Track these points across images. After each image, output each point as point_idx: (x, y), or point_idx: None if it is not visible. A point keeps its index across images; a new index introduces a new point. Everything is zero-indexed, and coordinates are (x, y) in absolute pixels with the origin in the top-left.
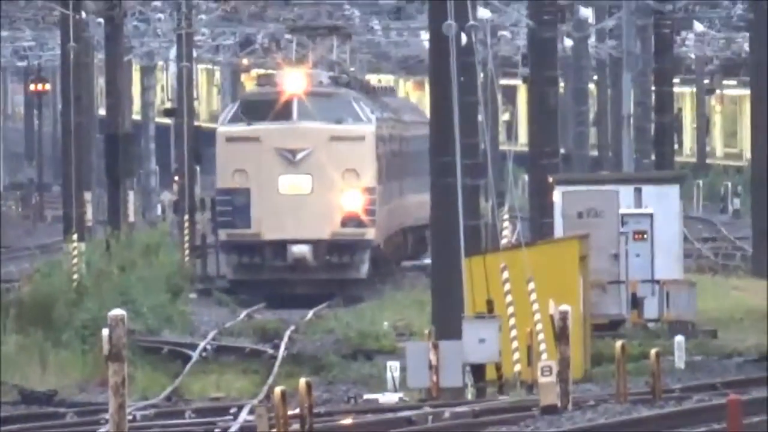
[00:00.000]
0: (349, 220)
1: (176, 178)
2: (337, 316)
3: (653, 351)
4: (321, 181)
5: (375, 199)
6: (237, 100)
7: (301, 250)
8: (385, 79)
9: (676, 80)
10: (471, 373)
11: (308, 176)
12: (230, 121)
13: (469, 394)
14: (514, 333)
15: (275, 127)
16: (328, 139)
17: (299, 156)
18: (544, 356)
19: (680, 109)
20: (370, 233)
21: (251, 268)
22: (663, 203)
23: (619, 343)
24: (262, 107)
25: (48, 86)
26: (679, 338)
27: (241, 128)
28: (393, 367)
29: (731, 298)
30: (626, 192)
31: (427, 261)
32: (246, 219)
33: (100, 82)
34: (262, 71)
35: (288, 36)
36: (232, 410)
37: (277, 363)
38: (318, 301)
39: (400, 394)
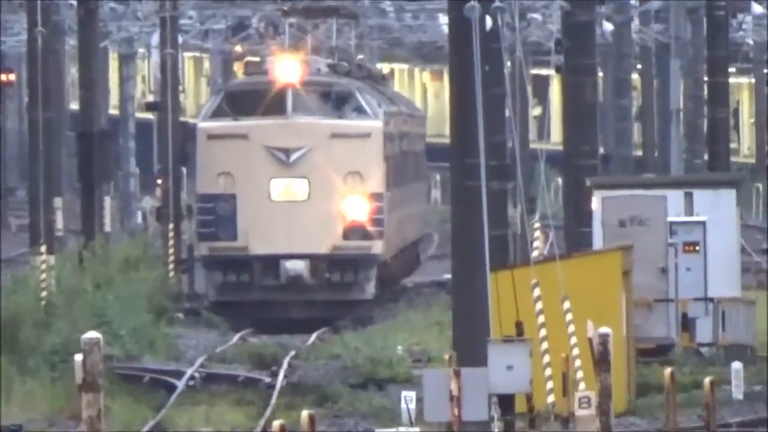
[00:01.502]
0: (353, 232)
1: (159, 181)
2: (344, 340)
3: (707, 380)
4: (319, 186)
5: (383, 206)
6: (220, 90)
7: (296, 266)
8: (399, 68)
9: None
10: (498, 404)
11: (304, 180)
12: (213, 116)
13: (496, 429)
14: (547, 359)
15: (266, 122)
16: (328, 136)
17: (294, 156)
18: (582, 386)
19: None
20: (377, 247)
21: (238, 287)
22: (717, 210)
23: (667, 371)
24: (251, 99)
25: (12, 77)
26: (736, 365)
27: (225, 124)
28: (408, 397)
29: None
30: (675, 197)
31: (447, 276)
32: (231, 230)
33: (72, 71)
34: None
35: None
36: None
37: (276, 393)
38: (316, 325)
39: (417, 429)
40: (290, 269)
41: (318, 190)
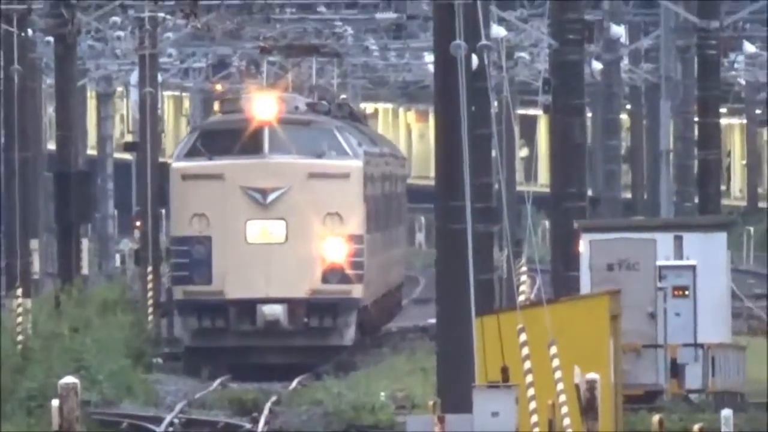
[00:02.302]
0: (332, 275)
1: (138, 223)
2: (326, 386)
3: (696, 427)
4: (297, 228)
5: (363, 249)
6: (195, 128)
7: (273, 311)
8: (383, 108)
9: (723, 110)
10: None
11: (282, 221)
12: (187, 155)
13: None
14: (533, 405)
15: (242, 162)
16: (306, 176)
17: (271, 197)
18: None
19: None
20: (357, 291)
21: (213, 333)
22: (708, 254)
23: (656, 418)
24: (226, 138)
25: None
26: (726, 412)
27: (200, 163)
28: None
29: None
30: (665, 240)
31: (432, 321)
32: (206, 273)
33: (50, 111)
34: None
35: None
36: None
37: None
38: (295, 372)
39: None
40: (267, 314)
41: (296, 232)
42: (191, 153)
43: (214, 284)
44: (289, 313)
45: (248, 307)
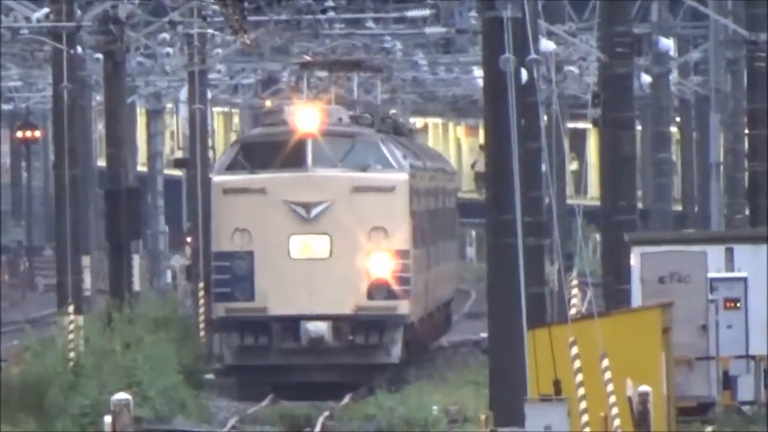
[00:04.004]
0: (378, 291)
1: (189, 239)
2: (378, 400)
3: None
4: (342, 243)
5: (409, 264)
6: (236, 142)
7: (317, 328)
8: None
9: None
10: None
11: (326, 236)
12: (228, 169)
13: None
14: (585, 418)
15: (284, 175)
16: (350, 190)
17: (315, 211)
18: None
19: None
20: (404, 307)
21: (255, 350)
22: (758, 266)
23: (708, 430)
24: (268, 151)
25: (38, 133)
26: None
27: (242, 177)
28: None
29: None
30: (716, 253)
31: (483, 335)
32: (249, 290)
33: (99, 128)
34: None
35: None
36: None
37: None
38: (339, 391)
39: None
40: (311, 331)
41: (340, 247)
42: (233, 166)
43: (257, 301)
44: (334, 330)
45: (292, 324)
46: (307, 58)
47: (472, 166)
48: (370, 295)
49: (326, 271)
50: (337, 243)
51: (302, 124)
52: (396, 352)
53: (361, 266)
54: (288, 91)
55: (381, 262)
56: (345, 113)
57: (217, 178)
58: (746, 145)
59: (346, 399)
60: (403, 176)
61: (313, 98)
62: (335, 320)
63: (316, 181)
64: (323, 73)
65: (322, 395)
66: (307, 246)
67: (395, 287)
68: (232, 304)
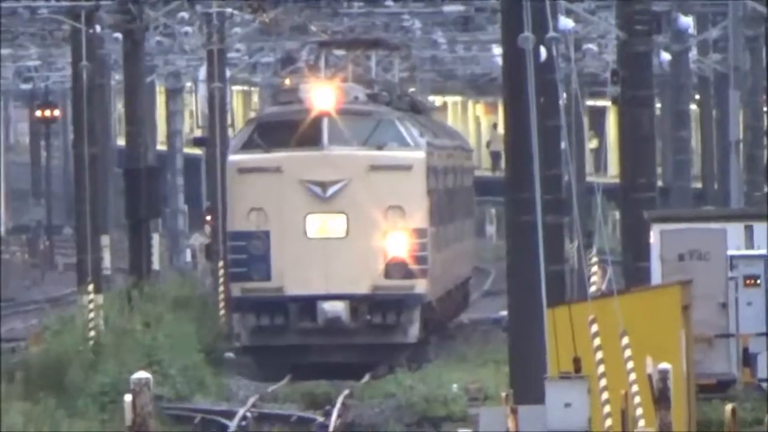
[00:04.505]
0: (395, 270)
1: (208, 218)
2: (398, 379)
3: None
4: (358, 222)
5: (426, 243)
6: (252, 120)
7: (334, 308)
8: (452, 101)
9: None
10: None
11: (342, 215)
12: (244, 148)
13: None
14: (605, 396)
15: (300, 154)
16: (367, 168)
17: (331, 190)
18: (641, 423)
19: None
20: (421, 286)
21: (272, 331)
22: None
23: (728, 407)
24: (284, 130)
25: (57, 112)
26: None
27: (257, 156)
28: None
29: None
30: (735, 230)
31: (503, 313)
32: (265, 270)
33: (118, 107)
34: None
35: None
36: None
37: None
38: (356, 371)
39: None
40: (328, 311)
41: (357, 226)
42: (248, 145)
43: (273, 280)
44: (351, 310)
45: (308, 304)
46: (325, 36)
47: (487, 145)
48: (388, 275)
49: (343, 251)
50: (354, 222)
51: (318, 103)
52: (413, 331)
53: (378, 245)
54: (306, 70)
55: (398, 241)
56: (361, 91)
57: (232, 157)
58: (765, 123)
59: (366, 378)
60: (420, 155)
61: (331, 77)
62: (352, 300)
63: (333, 159)
64: (341, 52)
65: (339, 375)
66: (324, 225)
67: (412, 266)
68: (248, 284)
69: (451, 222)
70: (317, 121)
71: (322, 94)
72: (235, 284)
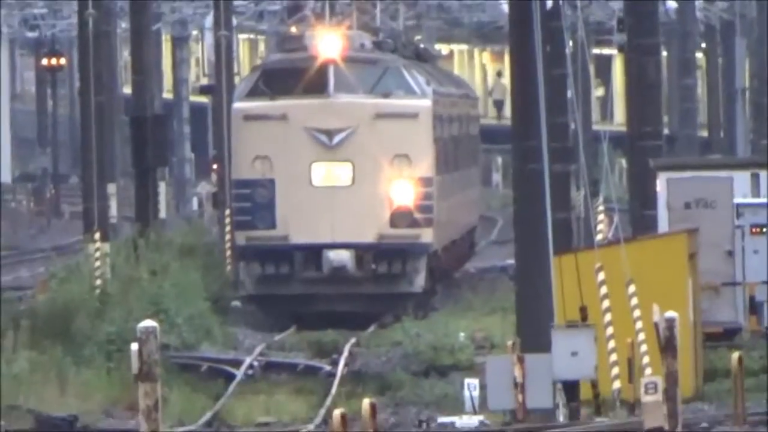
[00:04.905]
0: (401, 219)
1: (215, 166)
2: (405, 327)
3: None
4: (364, 170)
5: (432, 192)
6: (257, 67)
7: (339, 256)
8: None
9: None
10: (563, 391)
11: (348, 164)
12: (249, 95)
13: (561, 416)
14: (612, 344)
15: (306, 102)
16: (373, 116)
17: (337, 138)
18: (648, 371)
19: None
20: (427, 235)
21: (277, 280)
22: None
23: (735, 356)
24: (289, 77)
25: (63, 61)
26: None
27: (262, 104)
28: (471, 385)
29: None
30: (741, 179)
31: (510, 261)
32: (270, 218)
33: (125, 55)
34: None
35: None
36: None
37: (336, 382)
38: (362, 321)
39: (480, 417)
40: (334, 260)
41: (363, 174)
42: (253, 93)
43: (278, 229)
44: (356, 259)
45: (313, 252)
46: None
47: (490, 93)
48: (393, 224)
49: (348, 199)
50: (360, 170)
51: (324, 50)
52: (419, 281)
53: (383, 194)
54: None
55: (404, 189)
56: (367, 39)
57: (237, 105)
58: None
59: (373, 327)
60: (427, 103)
61: (336, 25)
62: (358, 249)
63: (338, 107)
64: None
65: (344, 325)
66: (330, 173)
67: (418, 215)
68: (252, 233)
69: (457, 171)
70: (323, 69)
71: (328, 42)
72: (240, 233)
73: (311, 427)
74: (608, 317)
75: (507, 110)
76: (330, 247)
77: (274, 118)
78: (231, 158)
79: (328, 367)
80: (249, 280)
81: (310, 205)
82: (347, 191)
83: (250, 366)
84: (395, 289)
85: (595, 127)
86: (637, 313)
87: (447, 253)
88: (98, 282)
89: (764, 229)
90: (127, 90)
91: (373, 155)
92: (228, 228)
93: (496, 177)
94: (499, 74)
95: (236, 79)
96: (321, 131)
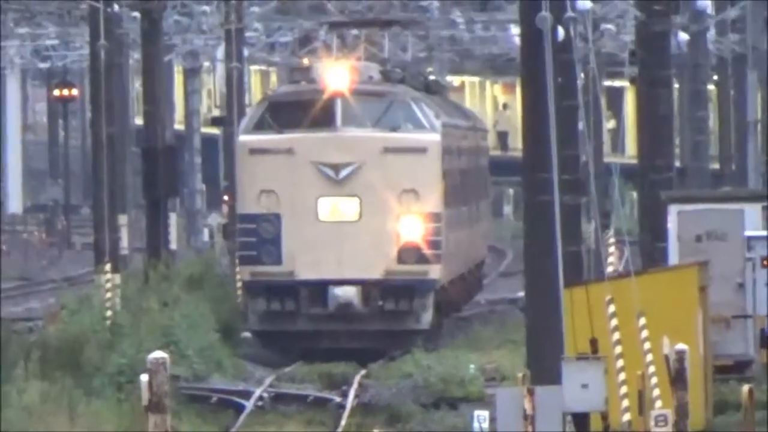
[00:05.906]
0: (408, 255)
1: (226, 197)
2: (415, 359)
3: None
4: (371, 205)
5: (441, 227)
6: (263, 100)
7: (346, 293)
8: (470, 81)
9: None
10: (573, 423)
11: (355, 198)
12: (255, 128)
13: None
14: (622, 377)
15: (312, 135)
16: (381, 151)
17: (343, 173)
18: (658, 404)
19: None
20: (435, 271)
21: (282, 316)
22: None
23: (746, 388)
24: (296, 110)
25: (75, 92)
26: None
27: (269, 137)
28: (481, 417)
29: None
30: (753, 211)
31: (520, 293)
32: (275, 253)
33: (136, 86)
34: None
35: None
36: None
37: (346, 413)
38: (368, 357)
39: None
40: (340, 296)
41: (370, 209)
42: (259, 125)
43: (284, 264)
44: (363, 295)
45: (320, 288)
46: (343, 16)
47: (494, 125)
48: (401, 260)
49: (355, 235)
50: (367, 205)
51: (332, 82)
52: (426, 318)
53: (391, 229)
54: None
55: (412, 225)
56: (376, 70)
57: (242, 138)
58: None
59: (382, 360)
60: (435, 137)
61: (345, 57)
62: (364, 285)
63: (346, 141)
64: (355, 32)
65: (351, 359)
66: (336, 208)
67: (426, 251)
68: (258, 268)
69: (466, 204)
70: (330, 102)
71: (336, 74)
72: (245, 268)
73: None
74: (618, 349)
75: (511, 142)
76: (336, 283)
77: (281, 152)
78: (236, 192)
79: (338, 399)
80: (254, 316)
81: (316, 240)
82: (354, 226)
83: (260, 397)
84: (402, 326)
85: (606, 159)
86: (647, 345)
87: (454, 288)
88: (109, 313)
89: None
90: (139, 121)
91: (381, 190)
92: (238, 260)
93: (507, 208)
94: (505, 106)
95: (248, 110)
96: (328, 165)
